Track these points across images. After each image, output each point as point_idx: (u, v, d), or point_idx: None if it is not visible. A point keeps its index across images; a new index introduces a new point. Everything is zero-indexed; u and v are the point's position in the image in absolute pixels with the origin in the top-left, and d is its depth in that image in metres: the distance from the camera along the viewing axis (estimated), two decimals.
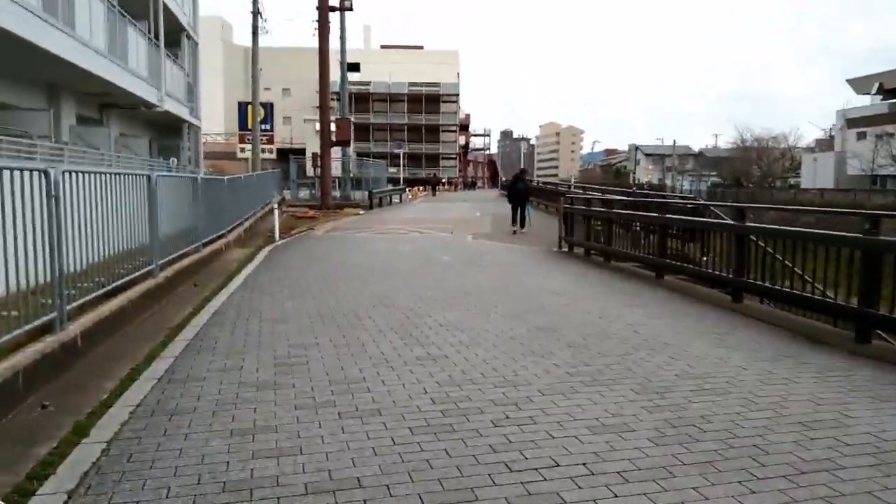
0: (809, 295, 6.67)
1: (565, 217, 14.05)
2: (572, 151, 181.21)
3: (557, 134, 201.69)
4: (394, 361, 5.27)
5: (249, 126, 34.92)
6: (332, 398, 4.37)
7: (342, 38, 28.50)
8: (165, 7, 19.58)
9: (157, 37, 18.80)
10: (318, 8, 24.99)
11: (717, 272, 8.44)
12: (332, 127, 26.39)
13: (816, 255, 6.64)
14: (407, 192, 38.39)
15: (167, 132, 24.30)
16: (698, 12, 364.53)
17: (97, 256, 6.07)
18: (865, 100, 48.51)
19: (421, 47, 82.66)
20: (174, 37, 22.70)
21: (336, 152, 28.06)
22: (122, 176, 6.92)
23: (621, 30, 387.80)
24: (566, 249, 13.90)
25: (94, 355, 5.33)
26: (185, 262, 9.69)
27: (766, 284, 7.32)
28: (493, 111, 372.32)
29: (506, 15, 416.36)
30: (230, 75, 73.10)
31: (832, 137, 68.62)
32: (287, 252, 13.36)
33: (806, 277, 6.91)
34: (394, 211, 27.87)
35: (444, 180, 66.60)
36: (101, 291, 6.01)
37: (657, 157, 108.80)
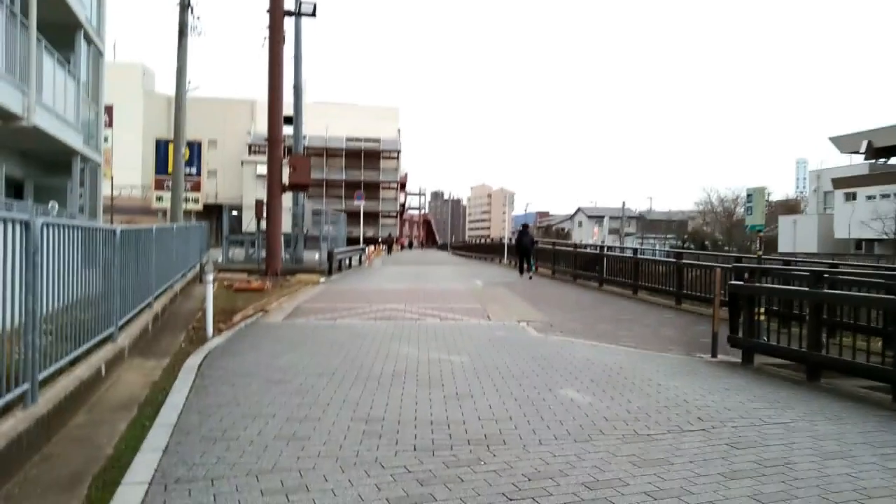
0: None
1: (732, 302, 8.12)
2: (504, 213, 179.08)
3: (489, 196, 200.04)
4: None
5: (169, 170, 28.00)
6: None
7: (297, 56, 22.19)
8: None
9: (25, 13, 12.14)
10: (269, 11, 18.81)
11: None
12: (285, 169, 19.89)
13: None
14: (365, 252, 31.91)
15: (50, 168, 17.18)
16: (616, 81, 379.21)
17: None
18: (847, 159, 46.09)
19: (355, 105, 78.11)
20: (64, 35, 15.97)
21: (285, 202, 21.46)
22: None
23: (550, 96, 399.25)
24: (740, 360, 7.94)
25: None
26: None
27: None
28: (423, 172, 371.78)
29: (432, 80, 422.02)
30: (151, 126, 65.27)
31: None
32: (237, 374, 6.64)
33: None
34: (363, 278, 21.24)
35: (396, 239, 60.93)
36: None
37: (598, 218, 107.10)
